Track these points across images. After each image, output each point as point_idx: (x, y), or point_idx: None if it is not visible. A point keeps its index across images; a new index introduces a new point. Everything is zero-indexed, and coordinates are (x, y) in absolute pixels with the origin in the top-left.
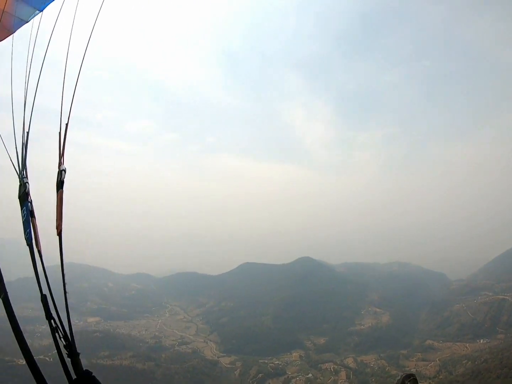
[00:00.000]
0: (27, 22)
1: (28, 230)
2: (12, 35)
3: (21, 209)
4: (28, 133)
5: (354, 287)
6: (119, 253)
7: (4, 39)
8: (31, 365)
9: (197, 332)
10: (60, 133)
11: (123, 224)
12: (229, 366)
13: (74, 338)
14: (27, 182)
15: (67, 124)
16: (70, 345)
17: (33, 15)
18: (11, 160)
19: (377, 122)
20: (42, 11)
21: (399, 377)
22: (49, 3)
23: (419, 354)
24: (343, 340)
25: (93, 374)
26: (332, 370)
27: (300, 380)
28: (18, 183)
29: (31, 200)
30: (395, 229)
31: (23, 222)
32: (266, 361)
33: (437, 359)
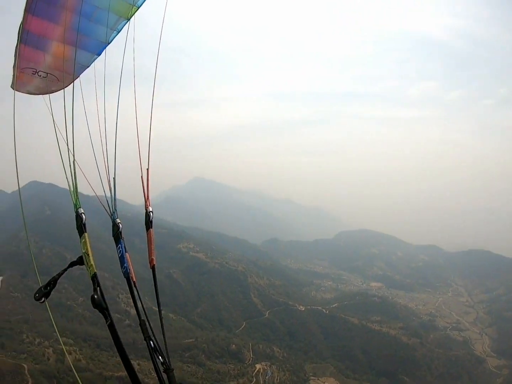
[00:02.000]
0: (88, 67)
1: (125, 265)
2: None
3: (116, 247)
4: (114, 179)
5: None
6: (410, 223)
7: (68, 85)
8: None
9: (475, 320)
10: (142, 177)
11: (412, 194)
12: (493, 370)
13: (168, 354)
14: (120, 223)
15: (148, 169)
16: (166, 362)
17: (93, 60)
18: (101, 204)
19: None
20: (99, 55)
21: None
22: (104, 48)
23: None
24: None
25: None
26: None
27: None
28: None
29: (124, 238)
30: None
31: (119, 258)
32: None
33: None
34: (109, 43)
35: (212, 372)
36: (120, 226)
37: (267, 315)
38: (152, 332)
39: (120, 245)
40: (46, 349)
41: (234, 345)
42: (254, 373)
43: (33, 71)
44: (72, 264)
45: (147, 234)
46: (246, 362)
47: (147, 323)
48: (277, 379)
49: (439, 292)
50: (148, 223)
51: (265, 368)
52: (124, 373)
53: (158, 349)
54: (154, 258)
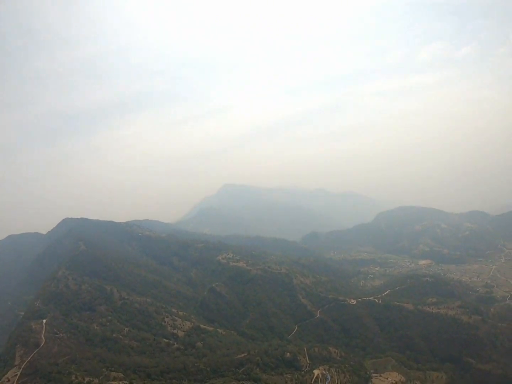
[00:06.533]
0: None
1: None
2: None
3: None
4: None
5: None
6: (448, 191)
7: None
8: None
9: None
10: None
11: (445, 161)
12: None
13: None
14: None
15: None
16: None
17: None
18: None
19: None
20: None
21: None
22: None
23: None
24: None
25: None
26: None
27: None
28: None
29: None
30: None
31: None
32: None
33: None
34: None
35: None
36: None
37: (318, 314)
38: None
39: None
40: None
41: (288, 353)
42: (313, 380)
43: None
44: None
45: None
46: (303, 369)
47: None
48: (337, 383)
49: (491, 260)
50: None
51: (324, 372)
52: None
53: None
54: None
